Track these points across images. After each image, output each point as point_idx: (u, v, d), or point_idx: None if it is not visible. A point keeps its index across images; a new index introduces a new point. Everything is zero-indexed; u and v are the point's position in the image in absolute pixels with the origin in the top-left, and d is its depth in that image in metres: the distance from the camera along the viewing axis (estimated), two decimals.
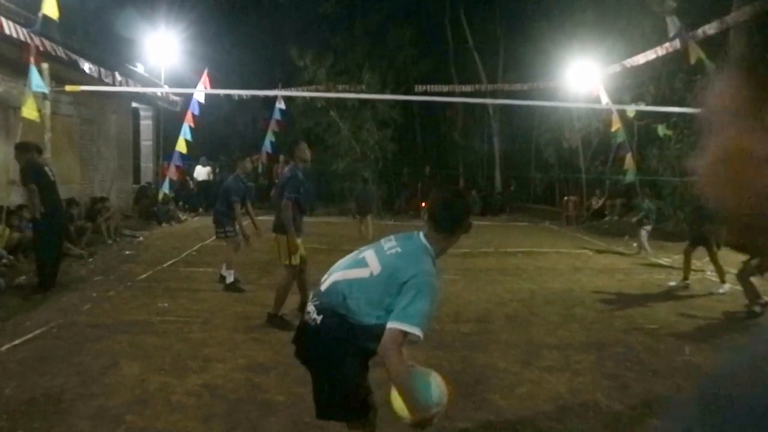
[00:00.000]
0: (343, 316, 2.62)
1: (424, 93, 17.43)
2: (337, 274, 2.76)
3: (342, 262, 2.83)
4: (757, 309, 7.25)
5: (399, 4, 25.77)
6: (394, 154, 19.83)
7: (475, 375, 5.02)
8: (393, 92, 19.11)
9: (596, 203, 18.07)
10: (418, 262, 2.54)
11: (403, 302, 2.44)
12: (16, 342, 5.54)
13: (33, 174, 7.57)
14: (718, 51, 14.10)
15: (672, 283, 8.94)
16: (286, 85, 20.69)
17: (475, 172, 25.90)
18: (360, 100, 18.30)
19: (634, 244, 12.22)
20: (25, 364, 4.97)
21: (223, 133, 24.83)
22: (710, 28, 12.80)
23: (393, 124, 19.30)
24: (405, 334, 2.40)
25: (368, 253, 2.70)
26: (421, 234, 2.69)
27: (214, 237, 9.39)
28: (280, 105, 19.42)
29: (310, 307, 2.75)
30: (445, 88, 19.61)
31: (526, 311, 7.23)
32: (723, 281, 8.42)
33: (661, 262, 10.88)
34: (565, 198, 19.21)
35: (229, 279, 8.14)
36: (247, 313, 6.87)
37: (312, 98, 18.53)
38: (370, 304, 2.56)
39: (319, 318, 2.68)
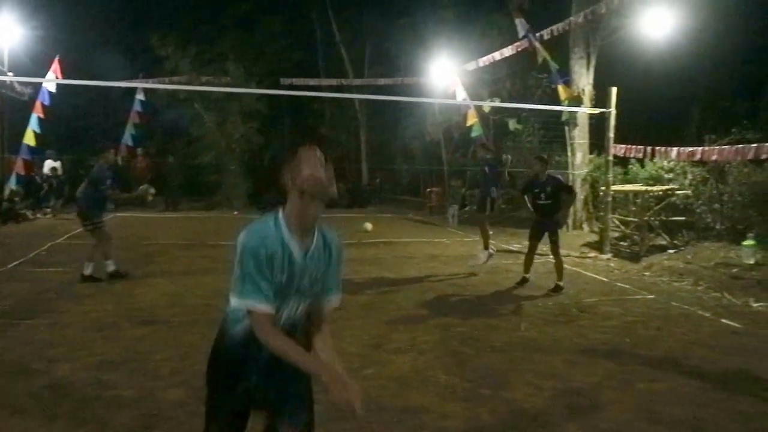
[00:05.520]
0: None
1: (290, 86, 17.47)
2: None
3: None
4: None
5: None
6: (261, 147, 19.71)
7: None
8: (259, 84, 18.96)
9: (459, 193, 18.96)
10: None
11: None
12: None
13: None
14: (561, 51, 15.29)
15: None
16: (149, 75, 19.92)
17: (343, 165, 26.25)
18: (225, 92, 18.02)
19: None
20: None
21: (79, 124, 23.42)
22: (554, 30, 13.80)
23: (259, 117, 19.16)
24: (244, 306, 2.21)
25: None
26: None
27: (65, 236, 9.01)
28: (140, 96, 18.73)
29: None
30: (311, 82, 19.74)
31: (381, 299, 7.58)
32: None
33: (511, 248, 11.71)
34: (429, 189, 20.01)
35: (111, 268, 8.25)
36: (99, 311, 6.70)
37: (175, 90, 18.00)
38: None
39: None
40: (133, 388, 4.53)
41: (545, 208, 8.34)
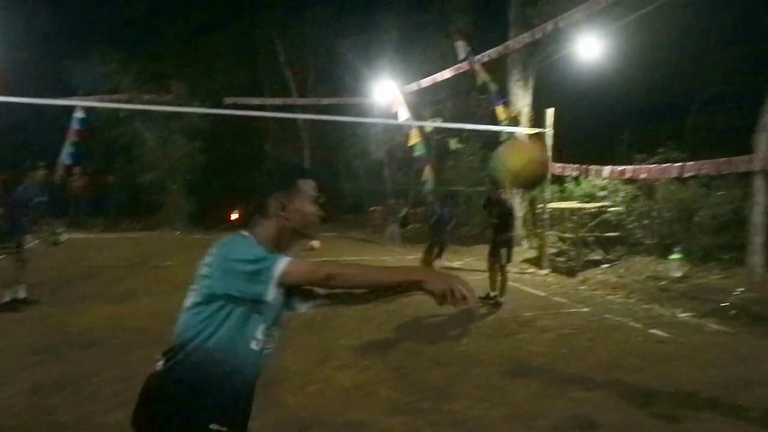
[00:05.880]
0: None
1: (234, 105, 17.39)
2: None
3: None
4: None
5: (212, 13, 25.32)
6: (204, 166, 19.53)
7: (268, 379, 5.26)
8: (203, 103, 18.83)
9: (401, 212, 19.22)
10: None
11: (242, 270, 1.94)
12: None
13: None
14: (500, 73, 15.76)
15: None
16: (89, 93, 19.50)
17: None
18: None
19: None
20: None
21: (15, 142, 22.61)
22: (493, 53, 14.20)
23: (203, 136, 19.02)
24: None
25: None
26: None
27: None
28: (79, 114, 18.27)
29: None
30: (255, 101, 19.69)
31: (322, 316, 7.63)
32: None
33: (453, 265, 11.94)
34: (372, 208, 20.21)
35: (11, 296, 7.72)
36: (36, 335, 6.55)
37: (116, 108, 17.69)
38: None
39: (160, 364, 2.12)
40: (72, 413, 4.47)
41: (495, 227, 8.66)
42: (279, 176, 2.21)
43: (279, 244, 2.11)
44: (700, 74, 18.56)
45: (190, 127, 18.59)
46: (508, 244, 8.71)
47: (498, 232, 8.65)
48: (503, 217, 8.64)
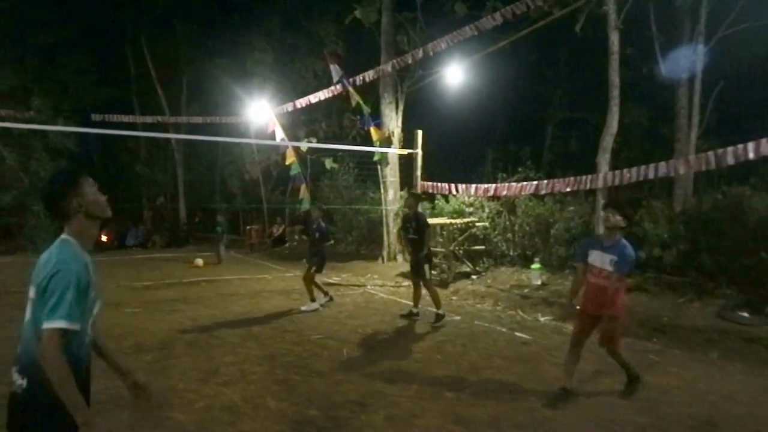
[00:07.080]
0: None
1: (102, 123, 16.74)
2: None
3: None
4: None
5: (76, 25, 24.06)
6: None
7: (156, 399, 5.30)
8: (67, 120, 17.91)
9: (277, 231, 19.31)
10: (51, 257, 2.38)
11: (50, 302, 2.27)
12: None
13: None
14: (373, 95, 16.39)
15: (303, 308, 9.50)
16: None
17: (161, 204, 25.43)
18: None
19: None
20: None
21: None
22: (366, 77, 14.75)
23: (69, 155, 18.10)
24: (59, 331, 2.23)
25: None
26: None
27: None
28: None
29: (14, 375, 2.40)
30: (125, 118, 19.06)
31: (207, 335, 7.67)
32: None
33: (331, 280, 12.24)
34: (248, 227, 20.13)
35: None
36: None
37: None
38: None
39: (23, 382, 2.36)
40: None
41: (413, 242, 8.73)
42: (65, 180, 2.48)
43: (91, 234, 2.52)
44: (552, 101, 20.37)
45: (55, 145, 17.65)
46: (428, 259, 8.75)
47: (416, 248, 8.67)
48: (421, 232, 8.60)
